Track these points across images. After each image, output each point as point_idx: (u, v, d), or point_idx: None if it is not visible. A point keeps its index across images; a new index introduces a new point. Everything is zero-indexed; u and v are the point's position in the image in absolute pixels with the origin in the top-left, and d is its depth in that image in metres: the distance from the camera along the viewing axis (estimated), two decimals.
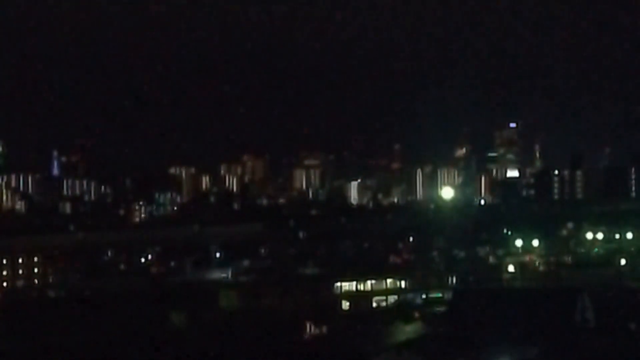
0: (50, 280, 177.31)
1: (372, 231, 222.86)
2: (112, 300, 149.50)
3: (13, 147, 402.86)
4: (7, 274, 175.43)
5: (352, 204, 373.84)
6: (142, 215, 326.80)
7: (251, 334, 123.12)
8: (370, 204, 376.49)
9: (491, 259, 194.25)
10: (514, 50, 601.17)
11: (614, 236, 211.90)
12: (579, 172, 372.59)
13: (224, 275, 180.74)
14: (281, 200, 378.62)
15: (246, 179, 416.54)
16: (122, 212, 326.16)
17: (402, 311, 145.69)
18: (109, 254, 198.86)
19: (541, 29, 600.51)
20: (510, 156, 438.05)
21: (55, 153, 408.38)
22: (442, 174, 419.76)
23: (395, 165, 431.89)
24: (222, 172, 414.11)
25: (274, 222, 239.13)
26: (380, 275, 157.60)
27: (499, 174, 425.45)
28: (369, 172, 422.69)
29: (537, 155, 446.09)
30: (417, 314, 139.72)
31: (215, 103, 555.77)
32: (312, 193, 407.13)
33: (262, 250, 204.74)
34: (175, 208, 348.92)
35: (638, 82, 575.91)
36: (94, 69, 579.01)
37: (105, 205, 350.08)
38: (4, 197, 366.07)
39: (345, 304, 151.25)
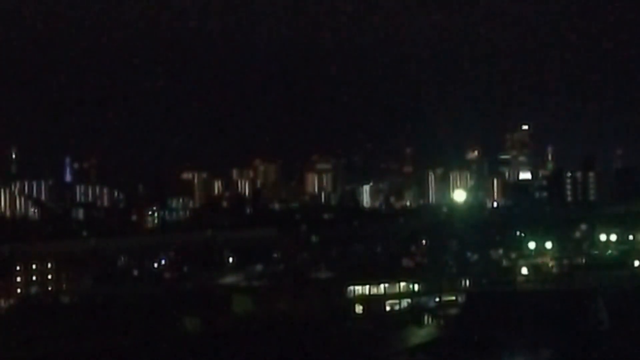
0: (64, 286, 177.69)
1: (384, 234, 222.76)
2: (125, 306, 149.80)
3: (25, 153, 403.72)
4: (21, 280, 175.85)
5: (364, 208, 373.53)
6: (155, 221, 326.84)
7: (265, 339, 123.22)
8: (383, 208, 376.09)
9: (504, 262, 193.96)
10: (526, 52, 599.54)
11: (627, 238, 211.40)
12: (591, 174, 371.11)
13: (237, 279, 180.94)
14: (293, 205, 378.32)
15: (258, 183, 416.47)
16: (134, 217, 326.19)
17: (415, 314, 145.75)
18: (122, 259, 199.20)
19: (553, 31, 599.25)
20: (522, 158, 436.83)
21: (67, 159, 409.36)
22: (454, 176, 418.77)
23: (407, 169, 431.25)
24: (234, 176, 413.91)
25: (287, 226, 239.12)
26: (393, 279, 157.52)
27: (511, 177, 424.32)
28: (381, 176, 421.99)
29: (550, 157, 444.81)
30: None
31: (227, 108, 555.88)
32: (325, 197, 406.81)
33: (275, 255, 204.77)
34: (188, 213, 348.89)
35: None
36: (106, 75, 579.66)
37: (118, 211, 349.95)
38: (17, 204, 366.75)
39: (359, 308, 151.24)
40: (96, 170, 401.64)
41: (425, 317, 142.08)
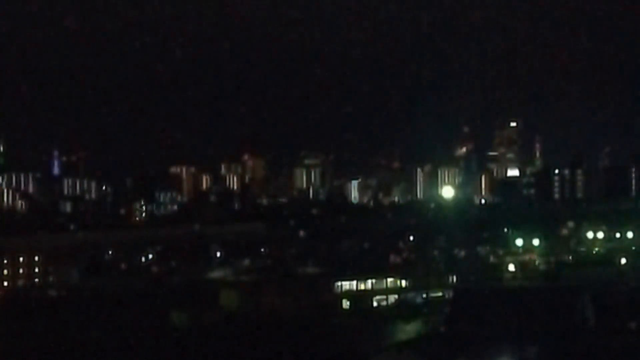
0: (51, 279, 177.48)
1: (372, 230, 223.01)
2: (112, 300, 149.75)
3: (13, 146, 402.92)
4: (8, 273, 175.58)
5: (352, 203, 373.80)
6: (143, 215, 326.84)
7: (252, 333, 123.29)
8: (371, 203, 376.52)
9: (492, 258, 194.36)
10: (514, 49, 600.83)
11: (614, 235, 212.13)
12: (579, 172, 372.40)
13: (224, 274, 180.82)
14: (282, 200, 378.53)
15: (247, 178, 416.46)
16: (122, 211, 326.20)
17: (402, 310, 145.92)
18: (110, 253, 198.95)
19: (541, 28, 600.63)
20: (510, 155, 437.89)
21: (55, 152, 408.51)
22: (443, 173, 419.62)
23: (396, 165, 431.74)
24: (222, 171, 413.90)
25: (275, 221, 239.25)
26: (380, 275, 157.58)
27: (499, 173, 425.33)
28: (369, 171, 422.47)
29: (538, 154, 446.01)
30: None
31: (216, 102, 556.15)
32: (313, 192, 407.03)
33: (263, 250, 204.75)
34: (176, 207, 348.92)
35: (638, 81, 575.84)
36: (94, 68, 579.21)
37: (106, 204, 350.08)
38: (5, 197, 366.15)
39: (346, 303, 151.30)
40: (84, 164, 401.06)
41: (413, 313, 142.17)
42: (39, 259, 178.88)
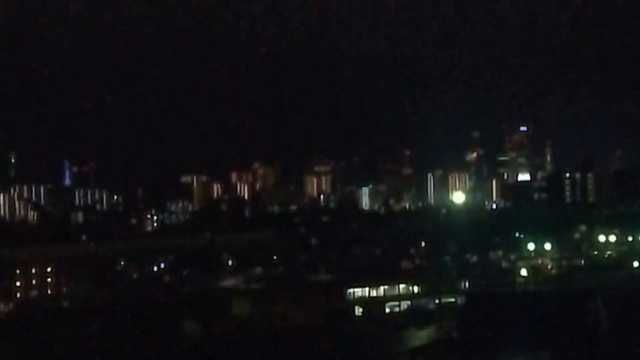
0: (63, 290, 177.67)
1: (384, 237, 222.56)
2: (124, 310, 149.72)
3: (24, 157, 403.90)
4: (20, 284, 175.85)
5: (363, 210, 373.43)
6: (154, 224, 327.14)
7: (264, 342, 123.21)
8: (382, 210, 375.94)
9: (504, 263, 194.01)
10: (524, 53, 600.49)
11: (626, 238, 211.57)
12: (590, 175, 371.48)
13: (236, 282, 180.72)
14: (293, 207, 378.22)
15: (257, 186, 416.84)
16: (134, 221, 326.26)
17: (415, 316, 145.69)
18: (122, 263, 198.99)
19: (551, 32, 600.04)
20: (521, 160, 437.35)
21: (66, 163, 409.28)
22: (453, 178, 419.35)
23: (406, 171, 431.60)
24: (233, 179, 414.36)
25: (286, 229, 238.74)
26: (392, 281, 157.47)
27: (510, 178, 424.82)
28: (380, 178, 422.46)
29: (548, 158, 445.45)
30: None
31: (226, 111, 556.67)
32: (324, 199, 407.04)
33: (274, 258, 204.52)
34: (187, 216, 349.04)
35: None
36: (105, 79, 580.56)
37: (117, 214, 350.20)
38: (16, 208, 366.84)
39: (358, 310, 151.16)
40: (95, 174, 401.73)
41: (425, 319, 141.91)
42: (50, 269, 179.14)
